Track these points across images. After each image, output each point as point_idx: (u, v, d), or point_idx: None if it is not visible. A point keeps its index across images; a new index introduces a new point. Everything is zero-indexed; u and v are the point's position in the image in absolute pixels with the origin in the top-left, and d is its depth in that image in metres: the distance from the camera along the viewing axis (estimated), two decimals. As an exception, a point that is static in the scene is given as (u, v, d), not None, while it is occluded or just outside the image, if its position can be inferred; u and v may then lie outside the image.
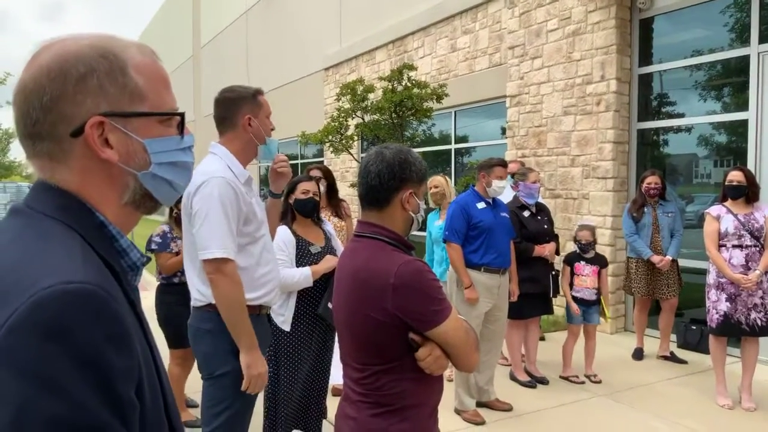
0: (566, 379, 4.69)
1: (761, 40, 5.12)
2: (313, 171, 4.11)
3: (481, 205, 3.98)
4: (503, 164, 4.00)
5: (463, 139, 9.09)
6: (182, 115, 0.93)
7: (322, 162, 11.66)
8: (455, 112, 8.98)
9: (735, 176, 4.11)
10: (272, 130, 2.34)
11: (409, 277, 1.52)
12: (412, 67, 7.52)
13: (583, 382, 4.64)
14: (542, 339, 5.63)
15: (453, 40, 8.80)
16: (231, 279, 2.08)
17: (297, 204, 3.06)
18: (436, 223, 4.69)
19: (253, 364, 2.11)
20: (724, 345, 4.27)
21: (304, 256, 3.01)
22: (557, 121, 6.65)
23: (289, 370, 2.99)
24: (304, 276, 2.92)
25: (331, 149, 8.44)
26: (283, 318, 2.98)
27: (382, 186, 1.63)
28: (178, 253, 3.69)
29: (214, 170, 2.14)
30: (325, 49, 12.46)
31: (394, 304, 1.52)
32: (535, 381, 4.60)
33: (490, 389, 4.15)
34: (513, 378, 4.67)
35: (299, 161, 14.13)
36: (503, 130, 7.63)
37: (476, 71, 8.33)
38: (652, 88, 6.23)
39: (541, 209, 4.74)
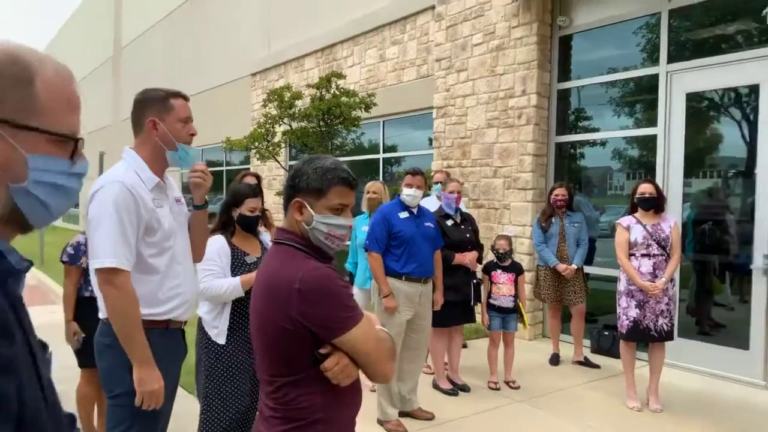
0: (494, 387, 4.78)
1: (669, 60, 5.44)
2: (248, 177, 4.00)
3: (403, 214, 3.99)
4: (412, 173, 4.03)
5: (392, 148, 9.15)
6: (77, 140, 0.91)
7: (248, 169, 11.42)
8: (384, 121, 9.03)
9: (646, 188, 4.33)
10: (192, 135, 2.23)
11: (315, 282, 1.48)
12: (340, 75, 7.51)
13: (499, 389, 4.73)
14: (465, 346, 5.73)
15: (382, 51, 8.87)
16: (121, 290, 1.95)
17: (241, 220, 2.93)
18: (364, 228, 4.66)
19: (147, 380, 1.99)
20: (634, 350, 4.47)
21: (239, 266, 2.89)
22: (481, 133, 6.81)
23: (227, 385, 2.83)
24: (234, 286, 2.80)
25: (257, 156, 8.28)
26: (217, 330, 2.84)
27: (284, 193, 1.65)
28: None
29: (116, 175, 2.02)
30: (252, 54, 12.25)
31: (299, 310, 1.47)
32: (457, 389, 4.65)
33: (413, 398, 4.15)
34: (436, 386, 4.69)
35: (224, 168, 13.79)
36: (431, 141, 7.74)
37: (404, 82, 8.42)
38: (569, 103, 6.50)
39: (466, 218, 4.81)
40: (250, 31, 12.57)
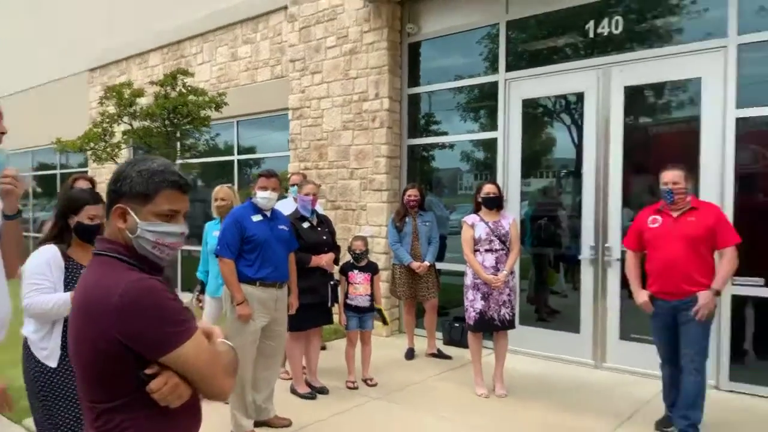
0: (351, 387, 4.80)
1: (508, 68, 5.86)
2: (80, 181, 3.63)
3: (256, 217, 3.87)
4: (267, 175, 3.93)
5: (249, 150, 8.89)
6: None
7: (86, 172, 10.46)
8: (238, 122, 8.75)
9: (491, 189, 4.61)
10: (1, 134, 1.96)
11: (136, 296, 1.35)
12: (187, 73, 7.14)
13: (357, 388, 4.77)
14: (324, 348, 5.71)
15: (234, 49, 8.59)
16: None
17: (80, 228, 2.61)
18: (215, 234, 4.44)
19: None
20: (480, 339, 4.74)
21: (74, 280, 2.57)
22: (337, 135, 6.84)
23: (62, 412, 2.50)
24: (63, 301, 2.46)
25: (93, 157, 7.60)
26: (47, 351, 2.49)
27: (106, 199, 1.50)
28: None
29: None
30: (91, 48, 11.25)
31: (119, 328, 1.33)
32: (315, 392, 4.61)
33: (269, 407, 4.04)
34: (293, 391, 4.62)
35: (58, 171, 12.54)
36: (288, 142, 7.63)
37: (258, 82, 8.23)
38: (420, 107, 6.75)
39: (322, 221, 4.79)
40: (88, 22, 11.54)
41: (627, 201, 5.19)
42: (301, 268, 4.35)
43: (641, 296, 3.81)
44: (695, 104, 4.82)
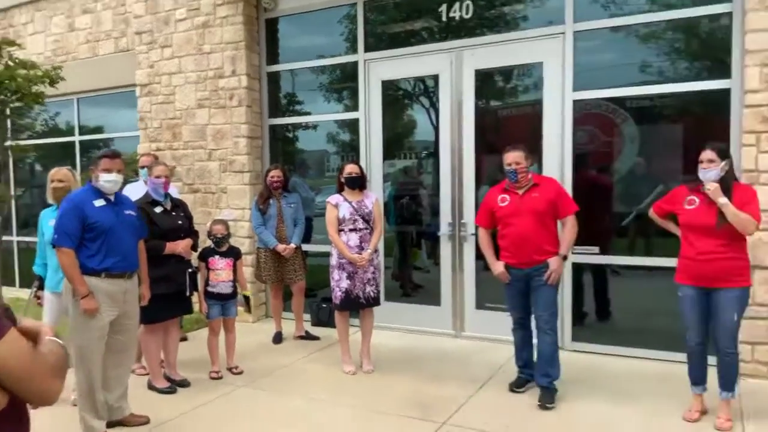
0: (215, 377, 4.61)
1: (366, 49, 5.88)
2: None
3: (99, 202, 3.54)
4: (110, 156, 3.59)
5: (95, 130, 8.13)
6: None
7: None
8: (78, 99, 7.97)
9: (352, 169, 4.62)
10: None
11: None
12: (13, 43, 6.33)
13: (221, 377, 4.62)
14: (185, 339, 5.45)
15: (71, 19, 7.78)
16: None
17: None
18: (51, 223, 3.99)
19: None
20: (347, 318, 4.78)
21: None
22: (191, 113, 6.48)
23: None
24: None
25: None
26: None
27: None
28: None
29: None
30: None
31: None
32: (176, 385, 4.38)
33: (123, 405, 3.76)
34: (151, 387, 4.35)
35: None
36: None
37: (101, 55, 7.54)
38: (281, 86, 6.58)
39: (177, 204, 4.51)
40: None
41: (480, 179, 5.47)
42: (155, 256, 4.08)
43: (498, 267, 4.05)
44: (539, 87, 5.18)
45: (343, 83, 6.28)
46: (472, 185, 5.44)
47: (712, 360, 3.61)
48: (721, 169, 3.39)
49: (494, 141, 5.60)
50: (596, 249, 5.01)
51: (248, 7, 6.19)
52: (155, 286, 4.02)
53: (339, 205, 4.61)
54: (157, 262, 4.09)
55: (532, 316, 4.09)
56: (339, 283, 4.59)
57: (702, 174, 3.44)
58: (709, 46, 4.75)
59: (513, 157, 3.90)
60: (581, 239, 4.94)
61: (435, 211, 5.78)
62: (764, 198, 4.06)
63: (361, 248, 4.56)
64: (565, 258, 3.97)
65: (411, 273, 6.33)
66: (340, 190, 4.70)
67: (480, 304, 5.51)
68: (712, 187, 3.37)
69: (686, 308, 3.57)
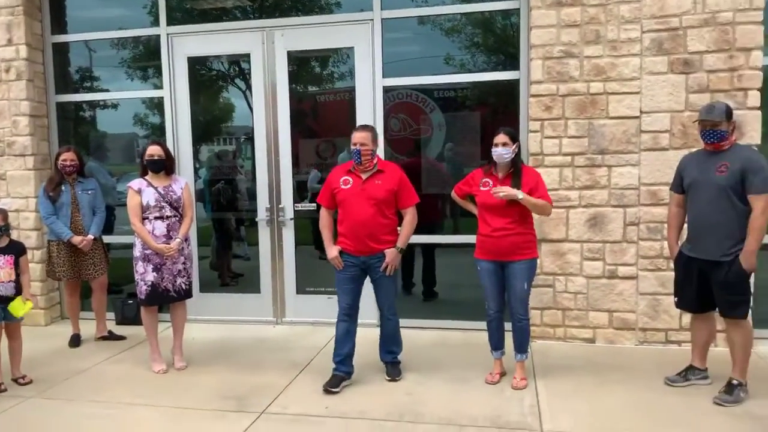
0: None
1: (169, 22, 5.45)
2: None
3: None
4: None
5: None
6: None
7: None
8: None
9: (155, 150, 4.25)
10: None
11: None
12: None
13: (5, 390, 4.02)
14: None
15: None
16: None
17: None
18: None
19: None
20: (155, 314, 4.43)
21: None
22: (-43, 87, 5.50)
23: None
24: None
25: None
26: None
27: None
28: None
29: None
30: None
31: None
32: (-59, 406, 3.71)
33: None
34: None
35: None
36: None
37: None
38: (70, 59, 5.86)
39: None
40: None
41: (297, 164, 5.41)
42: None
43: (332, 252, 3.90)
44: (351, 72, 5.24)
45: (145, 59, 5.77)
46: (289, 170, 5.36)
47: (508, 326, 3.97)
48: (513, 150, 3.72)
49: (311, 124, 5.58)
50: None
51: (26, -33, 5.40)
52: None
53: (142, 191, 4.23)
54: None
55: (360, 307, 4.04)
56: (144, 276, 4.23)
57: (496, 155, 3.74)
58: (502, 40, 5.19)
59: (359, 137, 3.78)
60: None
61: (252, 196, 5.60)
62: (548, 179, 4.57)
63: (169, 237, 4.24)
64: (401, 251, 3.90)
65: (230, 261, 6.09)
66: (143, 175, 4.32)
67: (301, 289, 5.48)
68: (501, 193, 3.65)
69: (485, 280, 3.89)
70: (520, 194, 3.63)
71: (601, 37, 4.50)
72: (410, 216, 3.94)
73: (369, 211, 3.79)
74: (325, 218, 4.01)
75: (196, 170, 5.67)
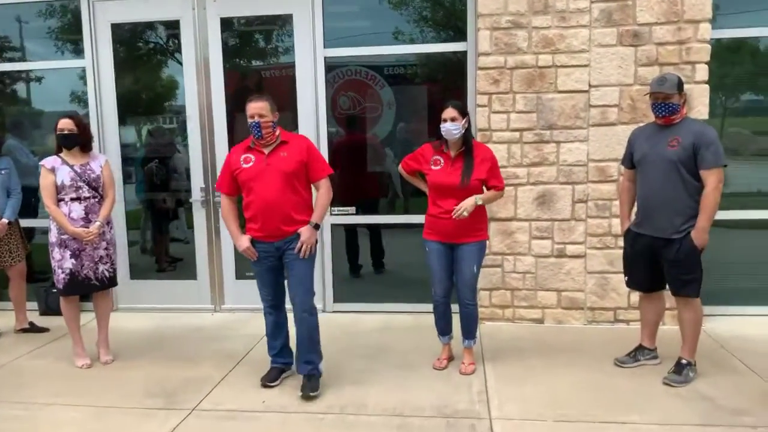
0: None
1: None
2: None
3: None
4: None
5: None
6: None
7: None
8: None
9: (66, 124, 3.84)
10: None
11: None
12: None
13: None
14: None
15: None
16: None
17: None
18: None
19: None
20: (76, 304, 4.07)
21: None
22: None
23: None
24: None
25: None
26: None
27: None
28: None
29: None
30: None
31: None
32: None
33: None
34: None
35: None
36: None
37: None
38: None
39: None
40: None
41: (233, 140, 5.06)
42: None
43: (243, 242, 3.44)
44: (290, 42, 4.91)
45: (66, 27, 5.26)
46: (225, 146, 5.01)
47: (456, 308, 3.79)
48: (462, 126, 3.51)
49: (246, 96, 5.21)
50: (353, 209, 5.01)
51: None
52: None
53: (56, 170, 3.83)
54: None
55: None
56: (62, 263, 3.86)
57: (445, 131, 3.52)
58: (451, 13, 4.95)
59: (256, 108, 3.31)
60: (339, 201, 4.93)
61: (187, 176, 5.23)
62: (497, 156, 4.38)
63: (88, 221, 3.87)
64: (317, 227, 3.44)
65: (167, 246, 5.71)
66: (58, 152, 3.92)
67: (240, 274, 5.18)
68: (465, 213, 3.42)
69: (432, 262, 3.69)
70: (479, 200, 3.50)
71: (549, 6, 4.33)
72: (324, 189, 3.47)
73: (277, 187, 3.31)
74: (227, 207, 3.53)
75: (122, 147, 5.24)
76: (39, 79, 5.50)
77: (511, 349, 4.14)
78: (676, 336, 3.66)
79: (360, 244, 5.21)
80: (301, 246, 3.37)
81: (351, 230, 5.17)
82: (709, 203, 3.26)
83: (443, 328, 3.86)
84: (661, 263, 3.46)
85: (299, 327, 3.48)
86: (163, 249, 5.68)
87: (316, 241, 3.47)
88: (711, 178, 3.24)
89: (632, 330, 4.17)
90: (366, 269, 5.24)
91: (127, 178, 5.31)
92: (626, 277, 3.77)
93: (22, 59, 5.40)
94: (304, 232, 3.38)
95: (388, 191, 5.26)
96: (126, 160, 5.30)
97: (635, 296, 4.13)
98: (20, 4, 5.23)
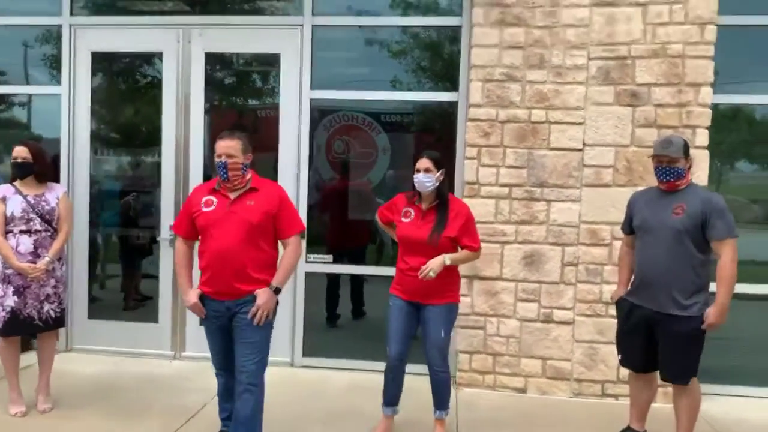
0: None
1: (72, 12, 4.84)
2: None
3: None
4: None
5: None
6: None
7: None
8: None
9: (19, 152, 3.60)
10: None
11: None
12: None
13: None
14: None
15: None
16: None
17: None
18: None
19: None
20: (16, 346, 3.72)
21: None
22: None
23: None
24: None
25: None
26: None
27: None
28: None
29: None
30: None
31: None
32: None
33: None
34: None
35: None
36: None
37: None
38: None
39: None
40: None
41: (209, 179, 4.82)
42: None
43: (191, 297, 3.01)
44: (276, 81, 4.73)
45: (45, 52, 5.08)
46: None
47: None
48: (437, 178, 3.27)
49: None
50: (330, 258, 4.74)
51: None
52: None
53: (8, 199, 3.56)
54: None
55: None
56: (3, 300, 3.53)
57: (417, 182, 3.28)
58: (444, 59, 4.80)
59: (224, 147, 2.93)
60: (317, 248, 4.67)
61: (158, 212, 4.96)
62: (484, 210, 4.18)
63: (36, 255, 3.57)
64: (277, 291, 2.98)
65: (137, 283, 5.37)
66: (12, 180, 3.66)
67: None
68: (431, 273, 3.14)
69: (393, 319, 3.36)
70: (447, 260, 3.20)
71: (545, 61, 4.17)
72: (292, 247, 3.04)
73: (238, 239, 2.89)
74: (181, 252, 3.13)
75: (92, 179, 4.99)
76: (11, 104, 5.29)
77: (490, 422, 3.79)
78: (669, 416, 3.33)
79: (341, 293, 4.91)
80: (256, 311, 2.91)
81: (327, 279, 4.88)
82: (726, 275, 2.96)
83: (391, 398, 3.45)
84: (656, 339, 3.15)
85: (242, 403, 2.98)
86: (132, 285, 5.36)
87: (277, 303, 3.03)
88: (726, 248, 2.96)
89: (621, 405, 3.83)
90: (343, 319, 4.91)
91: (95, 211, 5.03)
92: (620, 356, 3.41)
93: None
94: (261, 295, 2.92)
95: (377, 239, 4.99)
96: (97, 193, 5.04)
97: (625, 370, 3.80)
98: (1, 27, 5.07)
